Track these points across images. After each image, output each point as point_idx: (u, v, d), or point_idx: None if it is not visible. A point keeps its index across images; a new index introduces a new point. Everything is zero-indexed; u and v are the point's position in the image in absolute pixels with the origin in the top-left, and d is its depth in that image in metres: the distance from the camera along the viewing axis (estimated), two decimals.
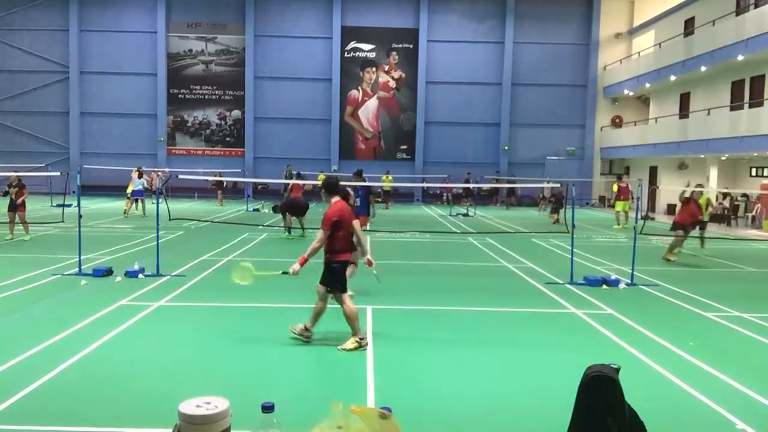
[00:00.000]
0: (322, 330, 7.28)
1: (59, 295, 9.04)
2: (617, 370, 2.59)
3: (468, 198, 29.44)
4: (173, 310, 8.41)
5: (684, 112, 28.12)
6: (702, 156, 25.61)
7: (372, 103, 34.40)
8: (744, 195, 25.19)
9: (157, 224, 11.17)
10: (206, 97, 34.14)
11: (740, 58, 22.37)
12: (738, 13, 24.01)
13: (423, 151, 34.13)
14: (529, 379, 5.96)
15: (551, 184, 23.65)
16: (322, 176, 27.53)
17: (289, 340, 6.86)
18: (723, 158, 25.56)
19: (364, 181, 21.34)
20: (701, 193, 15.66)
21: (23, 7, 33.01)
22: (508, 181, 31.59)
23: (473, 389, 5.64)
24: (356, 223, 9.23)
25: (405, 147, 34.47)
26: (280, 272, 6.82)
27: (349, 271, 9.17)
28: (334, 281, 6.70)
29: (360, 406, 2.13)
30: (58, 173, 17.54)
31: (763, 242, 18.43)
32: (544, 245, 16.16)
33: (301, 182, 21.68)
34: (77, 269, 10.54)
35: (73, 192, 17.89)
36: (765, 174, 24.59)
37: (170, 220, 13.34)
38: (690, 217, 13.85)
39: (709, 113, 24.62)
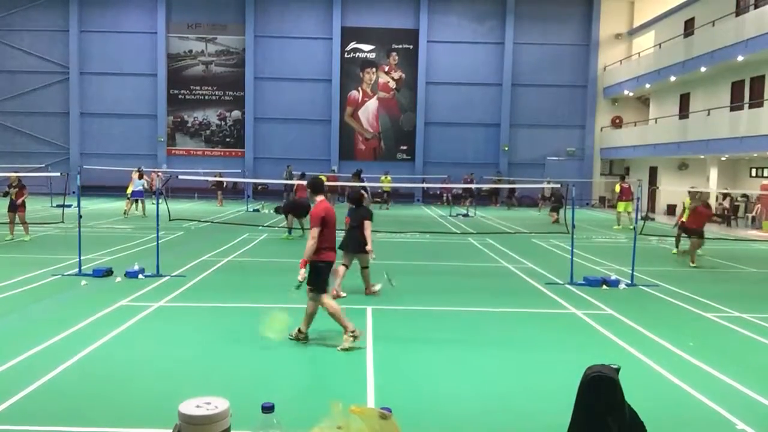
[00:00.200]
0: (322, 330, 7.28)
1: (59, 295, 9.04)
2: (617, 370, 2.59)
3: (470, 198, 29.43)
4: (173, 310, 8.41)
5: (684, 112, 28.12)
6: (702, 156, 25.61)
7: (372, 104, 34.41)
8: (744, 195, 25.19)
9: (157, 224, 11.17)
10: (206, 97, 34.14)
11: (740, 58, 22.37)
12: (738, 13, 24.01)
13: (423, 152, 34.13)
14: (529, 380, 5.96)
15: (552, 185, 23.65)
16: (387, 179, 27.65)
17: (289, 341, 6.87)
18: (723, 159, 25.57)
19: (363, 181, 21.39)
20: (708, 194, 15.51)
21: (23, 7, 33.01)
22: (509, 182, 31.60)
23: (473, 389, 5.64)
24: (368, 223, 9.34)
25: (405, 147, 34.47)
26: (294, 288, 6.81)
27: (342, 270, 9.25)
28: (317, 280, 6.73)
29: (360, 406, 2.14)
30: (58, 174, 17.57)
31: (763, 243, 18.42)
32: (544, 245, 16.16)
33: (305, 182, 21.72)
34: (77, 269, 10.54)
35: (73, 192, 17.89)
36: (765, 174, 24.59)
37: (170, 220, 13.35)
38: (706, 219, 13.66)
39: (709, 114, 24.62)
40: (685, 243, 14.47)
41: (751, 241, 18.59)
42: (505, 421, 5.00)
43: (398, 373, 6.06)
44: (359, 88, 34.25)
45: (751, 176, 25.40)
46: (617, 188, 23.04)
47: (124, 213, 21.74)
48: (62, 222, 14.93)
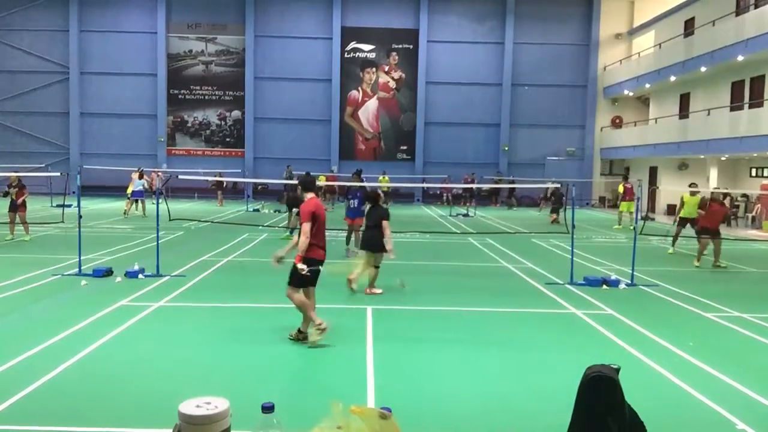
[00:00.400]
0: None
1: (59, 295, 9.04)
2: (617, 370, 2.59)
3: (471, 199, 29.41)
4: (173, 310, 8.41)
5: (684, 112, 28.13)
6: (702, 156, 25.61)
7: (372, 104, 34.41)
8: (744, 195, 25.19)
9: (157, 224, 11.17)
10: (206, 97, 34.14)
11: (740, 58, 22.37)
12: (738, 13, 24.01)
13: (423, 152, 34.13)
14: (529, 380, 5.96)
15: (553, 185, 23.63)
16: (385, 179, 27.67)
17: (289, 340, 6.87)
18: (723, 159, 25.57)
19: (362, 181, 21.41)
20: (719, 194, 15.27)
21: (23, 7, 33.02)
22: (509, 182, 31.60)
23: (473, 389, 5.64)
24: (386, 223, 9.43)
25: (405, 147, 34.47)
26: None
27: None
28: (295, 274, 6.73)
29: (360, 406, 2.14)
30: (58, 173, 17.55)
31: (763, 242, 18.43)
32: (544, 245, 16.16)
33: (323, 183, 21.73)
34: (77, 269, 10.54)
35: (73, 192, 17.89)
36: (765, 174, 24.59)
37: (170, 220, 13.34)
38: (721, 217, 13.46)
39: (709, 114, 24.62)
40: (687, 242, 14.47)
41: (751, 241, 18.59)
42: (505, 421, 5.00)
43: (398, 373, 6.06)
44: (359, 88, 34.25)
45: (751, 176, 25.40)
46: (620, 188, 23.03)
47: (124, 213, 21.74)
48: (62, 222, 14.92)
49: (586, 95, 34.16)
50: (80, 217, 10.95)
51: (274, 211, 25.08)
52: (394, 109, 34.43)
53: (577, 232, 12.77)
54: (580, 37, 33.99)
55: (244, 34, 33.49)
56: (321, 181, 26.20)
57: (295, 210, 15.57)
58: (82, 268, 10.55)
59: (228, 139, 34.44)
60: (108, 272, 10.46)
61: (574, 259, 11.28)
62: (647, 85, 29.92)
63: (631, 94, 32.82)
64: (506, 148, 34.06)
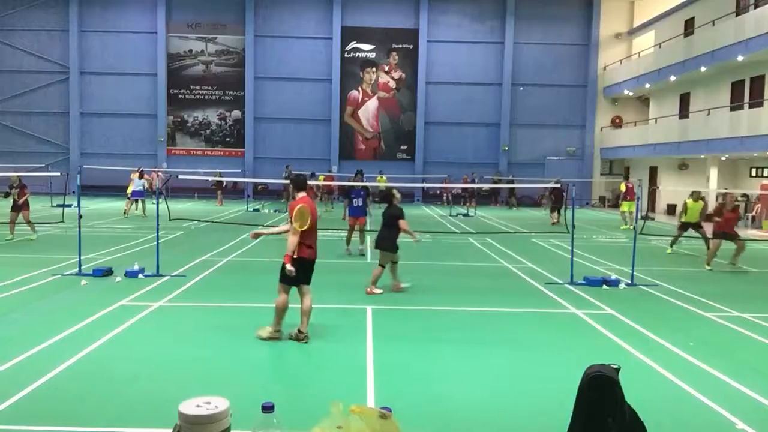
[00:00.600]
0: (321, 330, 7.29)
1: (59, 295, 9.04)
2: (617, 370, 2.59)
3: (471, 199, 29.40)
4: (173, 310, 8.41)
5: (684, 112, 28.13)
6: (702, 156, 25.61)
7: (372, 104, 34.40)
8: (744, 195, 25.19)
9: (157, 224, 11.17)
10: (206, 97, 34.14)
11: (740, 58, 22.37)
12: (738, 13, 24.02)
13: (423, 152, 34.13)
14: (529, 379, 5.96)
15: (554, 183, 23.59)
16: (382, 179, 27.78)
17: (290, 341, 6.87)
18: (723, 158, 25.57)
19: (362, 181, 21.41)
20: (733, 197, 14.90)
21: (23, 7, 33.03)
22: (509, 182, 31.59)
23: (473, 389, 5.64)
24: (403, 222, 9.50)
25: (405, 147, 34.47)
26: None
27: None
28: (285, 272, 6.79)
29: (360, 406, 2.13)
30: (58, 173, 17.56)
31: (763, 242, 18.42)
32: (544, 245, 16.16)
33: (321, 183, 21.72)
34: (77, 269, 10.54)
35: (73, 192, 17.91)
36: (765, 174, 24.59)
37: (170, 220, 13.35)
38: (736, 222, 13.26)
39: (709, 113, 24.62)
40: (683, 242, 14.45)
41: (751, 241, 18.57)
42: (504, 421, 5.00)
43: (398, 373, 6.06)
44: (359, 88, 34.25)
45: (751, 176, 25.40)
46: (622, 187, 23.01)
47: (124, 213, 21.74)
48: (62, 222, 14.94)
49: (586, 95, 34.16)
50: (80, 216, 10.95)
51: (274, 211, 25.09)
52: (394, 109, 34.42)
53: (578, 232, 12.77)
54: (580, 37, 33.99)
55: (244, 34, 33.49)
56: (320, 181, 26.22)
57: None
58: (82, 267, 10.55)
59: (228, 139, 34.44)
60: (108, 272, 10.46)
61: (574, 259, 11.28)
62: (647, 85, 29.92)
63: (631, 94, 32.82)
64: (506, 148, 34.06)
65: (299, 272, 6.82)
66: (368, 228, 14.49)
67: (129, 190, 22.26)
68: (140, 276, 10.31)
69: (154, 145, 33.88)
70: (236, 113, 34.20)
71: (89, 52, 33.51)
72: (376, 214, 14.85)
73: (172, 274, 10.59)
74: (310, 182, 20.86)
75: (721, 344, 7.40)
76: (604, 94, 34.19)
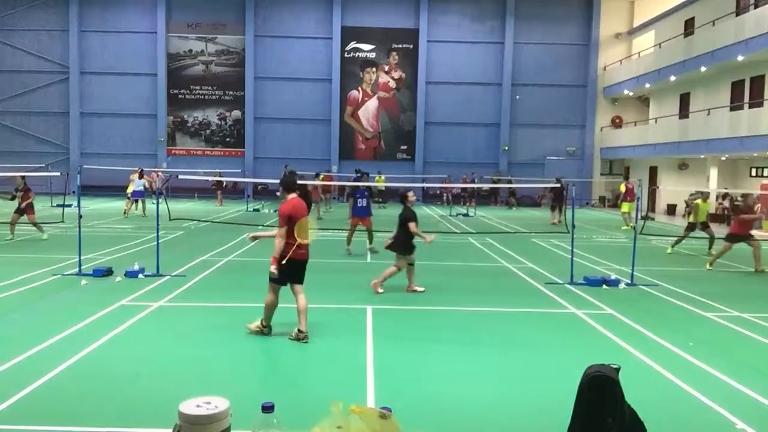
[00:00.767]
0: (321, 330, 7.29)
1: (59, 295, 9.04)
2: (617, 370, 2.59)
3: (470, 199, 29.42)
4: (173, 310, 8.41)
5: (684, 112, 28.13)
6: (702, 156, 25.61)
7: (372, 104, 34.41)
8: (744, 195, 25.16)
9: (157, 224, 11.17)
10: (206, 97, 34.15)
11: (740, 58, 22.38)
12: (738, 13, 24.02)
13: (423, 152, 34.14)
14: (528, 379, 5.96)
15: (555, 184, 23.56)
16: (381, 179, 27.83)
17: (289, 341, 6.87)
18: (723, 158, 25.57)
19: (361, 180, 21.43)
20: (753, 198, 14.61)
21: (23, 7, 33.04)
22: (508, 182, 31.60)
23: (473, 389, 5.64)
24: (412, 225, 9.53)
25: (405, 147, 34.48)
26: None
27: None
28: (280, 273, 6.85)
29: (360, 406, 2.13)
30: (58, 173, 17.55)
31: (763, 242, 18.40)
32: (544, 245, 16.16)
33: (320, 183, 21.68)
34: (77, 269, 10.54)
35: (73, 192, 17.90)
36: (765, 174, 24.59)
37: (170, 220, 13.35)
38: (751, 224, 13.03)
39: (709, 113, 24.62)
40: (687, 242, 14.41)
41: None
42: (504, 421, 5.00)
43: (398, 373, 6.06)
44: (359, 88, 34.25)
45: (751, 176, 25.40)
46: (621, 188, 23.00)
47: (124, 213, 21.74)
48: (62, 222, 14.94)
49: (586, 95, 34.17)
50: (80, 216, 10.95)
51: (274, 211, 25.08)
52: (394, 108, 34.43)
53: (577, 232, 12.77)
54: (580, 37, 33.99)
55: (244, 34, 33.50)
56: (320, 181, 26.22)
57: None
58: (82, 267, 10.55)
59: (228, 139, 34.44)
60: (108, 272, 10.46)
61: (575, 259, 11.28)
62: (647, 85, 29.93)
63: (631, 94, 32.82)
64: (506, 148, 34.06)
65: (289, 273, 6.86)
66: (372, 228, 14.50)
67: (129, 190, 22.27)
68: (140, 276, 10.31)
69: (154, 145, 33.89)
70: (236, 113, 34.20)
71: (89, 52, 33.52)
72: (376, 213, 14.85)
73: (172, 274, 10.59)
74: (314, 182, 21.04)
75: (721, 344, 7.39)
76: (604, 94, 34.19)
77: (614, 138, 33.16)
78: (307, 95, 33.95)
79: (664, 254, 15.21)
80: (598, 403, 2.51)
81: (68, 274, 10.38)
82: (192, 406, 2.03)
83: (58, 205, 20.30)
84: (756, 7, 22.70)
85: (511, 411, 5.20)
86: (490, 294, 10.05)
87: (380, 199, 28.63)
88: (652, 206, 28.79)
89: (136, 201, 22.10)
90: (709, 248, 15.19)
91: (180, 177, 20.31)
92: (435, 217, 24.94)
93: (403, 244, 9.75)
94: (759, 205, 22.87)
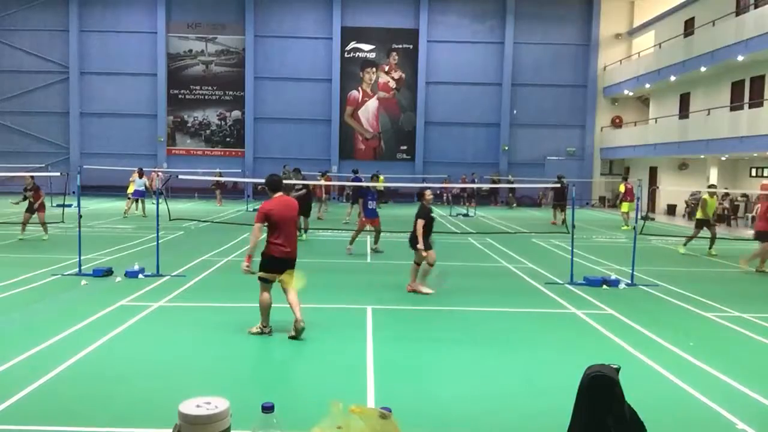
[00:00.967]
0: (321, 330, 7.29)
1: (59, 295, 9.04)
2: (617, 370, 2.59)
3: (470, 199, 29.41)
4: (173, 310, 8.41)
5: (684, 112, 28.13)
6: (702, 156, 25.61)
7: (372, 104, 34.40)
8: (744, 195, 25.19)
9: (157, 224, 11.17)
10: (206, 97, 34.14)
11: (740, 58, 22.37)
12: (738, 13, 24.01)
13: (423, 152, 34.14)
14: (529, 379, 5.96)
15: (556, 183, 23.52)
16: (380, 179, 27.87)
17: (289, 340, 6.87)
18: (723, 158, 25.57)
19: (362, 180, 21.40)
20: None
21: (23, 7, 33.03)
22: (507, 181, 31.60)
23: (473, 389, 5.64)
24: (418, 222, 9.55)
25: (405, 147, 34.47)
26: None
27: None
28: (259, 270, 7.05)
29: (360, 406, 2.13)
30: (58, 173, 17.54)
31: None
32: (544, 245, 16.16)
33: (325, 183, 21.67)
34: (77, 269, 10.54)
35: (73, 192, 17.88)
36: (765, 174, 24.59)
37: (170, 220, 13.35)
38: None
39: (709, 113, 24.62)
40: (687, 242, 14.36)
41: (751, 241, 18.55)
42: (504, 421, 5.00)
43: (398, 373, 6.06)
44: (359, 88, 34.25)
45: (751, 176, 25.40)
46: (621, 188, 23.00)
47: (125, 213, 21.73)
48: (62, 222, 14.93)
49: (586, 95, 34.16)
50: (80, 216, 10.94)
51: None
52: (394, 109, 34.43)
53: (577, 232, 12.76)
54: (580, 37, 33.99)
55: (244, 34, 33.49)
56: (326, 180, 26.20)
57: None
58: (82, 267, 10.55)
59: (228, 139, 34.44)
60: (108, 272, 10.46)
61: (574, 259, 11.28)
62: (647, 85, 29.93)
63: (631, 94, 32.82)
64: (506, 148, 34.06)
65: (271, 269, 6.99)
66: (381, 228, 14.58)
67: (130, 190, 22.26)
68: (140, 276, 10.31)
69: (154, 145, 33.88)
70: (236, 113, 34.20)
71: (89, 52, 33.51)
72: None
73: (172, 274, 10.59)
74: (320, 182, 21.04)
75: (721, 344, 7.39)
76: (604, 94, 34.19)
77: (614, 138, 33.16)
78: (307, 95, 33.94)
79: (664, 254, 15.21)
80: (598, 404, 2.51)
81: (68, 275, 10.38)
82: (192, 407, 2.03)
83: (58, 205, 20.28)
84: (756, 7, 22.69)
85: (511, 411, 5.20)
86: (490, 294, 10.05)
87: (385, 201, 28.66)
88: (652, 206, 28.79)
89: (137, 201, 22.10)
90: (710, 248, 15.18)
91: (180, 177, 20.30)
92: (435, 217, 24.92)
93: (412, 238, 9.82)
94: (759, 205, 22.90)
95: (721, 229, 21.94)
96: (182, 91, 33.93)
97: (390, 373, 6.00)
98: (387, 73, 34.21)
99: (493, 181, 32.13)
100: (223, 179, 27.97)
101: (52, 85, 33.54)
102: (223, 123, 34.35)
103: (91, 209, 23.29)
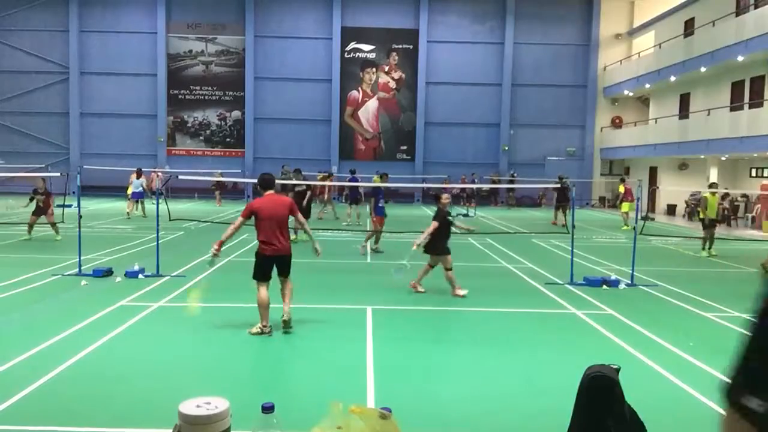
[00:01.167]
0: (321, 330, 7.30)
1: (59, 295, 9.04)
2: (617, 370, 2.59)
3: (470, 199, 29.39)
4: (173, 310, 8.41)
5: (684, 112, 28.13)
6: (702, 156, 25.60)
7: (372, 104, 34.40)
8: (744, 195, 25.19)
9: (157, 225, 11.17)
10: (206, 97, 34.14)
11: (740, 58, 22.37)
12: (738, 13, 24.01)
13: (423, 152, 34.13)
14: (528, 380, 5.96)
15: (559, 183, 23.48)
16: (377, 178, 27.84)
17: (289, 340, 6.87)
18: (723, 159, 25.57)
19: (357, 181, 21.42)
20: None
21: (23, 7, 33.02)
22: (507, 181, 31.59)
23: (473, 389, 5.64)
24: (433, 224, 9.58)
25: (405, 147, 34.46)
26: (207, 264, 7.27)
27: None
28: (254, 268, 7.26)
29: (360, 406, 2.13)
30: (58, 174, 17.53)
31: (763, 242, 18.41)
32: (544, 245, 16.16)
33: (325, 183, 21.68)
34: (77, 269, 10.54)
35: (73, 192, 17.88)
36: (765, 174, 24.59)
37: (170, 220, 13.34)
38: None
39: (709, 114, 24.62)
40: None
41: (751, 241, 18.58)
42: (505, 421, 5.00)
43: (398, 373, 6.06)
44: (359, 88, 34.25)
45: (751, 176, 25.40)
46: (621, 188, 23.00)
47: (127, 214, 21.69)
48: (62, 222, 14.93)
49: (586, 95, 34.16)
50: (80, 217, 10.95)
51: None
52: (394, 109, 34.42)
53: (578, 232, 12.76)
54: (580, 37, 33.99)
55: (244, 34, 33.49)
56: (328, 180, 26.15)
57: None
58: (82, 268, 10.55)
59: (228, 140, 34.44)
60: (108, 272, 10.46)
61: (574, 259, 11.28)
62: (647, 85, 29.92)
63: (631, 94, 32.82)
64: (506, 148, 34.05)
65: (259, 266, 7.16)
66: (383, 228, 14.67)
67: (129, 191, 22.23)
68: (140, 276, 10.31)
69: (154, 145, 33.88)
70: (236, 113, 34.20)
71: (89, 52, 33.51)
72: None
73: (172, 275, 10.59)
74: (324, 183, 21.06)
75: (721, 344, 7.39)
76: (604, 95, 34.19)
77: (614, 138, 33.16)
78: (307, 95, 33.94)
79: (663, 254, 15.20)
80: (598, 404, 2.51)
81: (68, 275, 10.38)
82: (192, 407, 2.03)
83: (58, 206, 20.19)
84: (756, 7, 22.69)
85: (511, 411, 5.20)
86: (490, 294, 10.06)
87: (386, 200, 28.65)
88: (652, 206, 28.79)
89: (137, 201, 22.08)
90: (709, 248, 15.17)
91: (180, 177, 20.28)
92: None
93: (431, 244, 9.74)
94: (759, 205, 22.91)
95: (721, 229, 21.94)
96: (182, 92, 33.93)
97: (390, 373, 6.00)
98: (387, 73, 34.21)
99: (493, 182, 32.12)
100: (223, 179, 27.96)
101: (52, 86, 33.54)
102: (223, 123, 34.35)
103: (91, 209, 23.28)
